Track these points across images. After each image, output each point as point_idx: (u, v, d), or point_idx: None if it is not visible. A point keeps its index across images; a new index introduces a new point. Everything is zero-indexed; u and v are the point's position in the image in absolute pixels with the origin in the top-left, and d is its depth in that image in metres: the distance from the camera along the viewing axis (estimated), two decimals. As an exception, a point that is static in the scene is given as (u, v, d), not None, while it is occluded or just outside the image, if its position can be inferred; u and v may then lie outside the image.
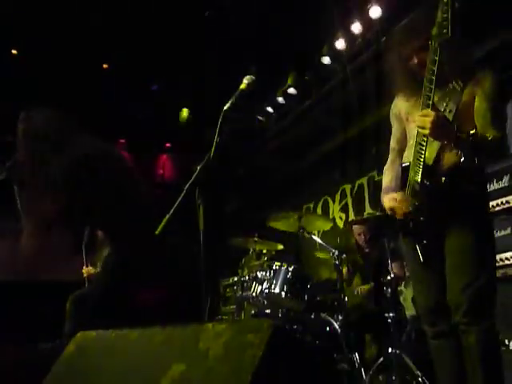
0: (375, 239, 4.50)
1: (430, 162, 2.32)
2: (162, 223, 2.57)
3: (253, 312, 4.55)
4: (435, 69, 2.23)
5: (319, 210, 7.31)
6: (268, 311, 4.29)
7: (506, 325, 3.33)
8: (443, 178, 2.27)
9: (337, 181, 6.97)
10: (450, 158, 2.31)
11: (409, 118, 2.53)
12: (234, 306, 4.87)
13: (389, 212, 2.48)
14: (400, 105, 2.61)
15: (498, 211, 3.68)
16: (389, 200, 2.48)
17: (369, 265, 4.65)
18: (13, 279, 7.12)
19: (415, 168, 2.35)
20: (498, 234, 3.64)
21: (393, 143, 2.71)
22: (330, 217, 6.87)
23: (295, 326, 4.04)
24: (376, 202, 6.15)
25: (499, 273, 3.56)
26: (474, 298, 2.23)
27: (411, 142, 2.46)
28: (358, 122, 6.22)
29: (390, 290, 3.99)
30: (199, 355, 1.49)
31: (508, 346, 3.35)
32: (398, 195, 2.45)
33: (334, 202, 7.05)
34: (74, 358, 1.90)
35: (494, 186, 3.76)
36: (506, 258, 3.53)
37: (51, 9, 5.59)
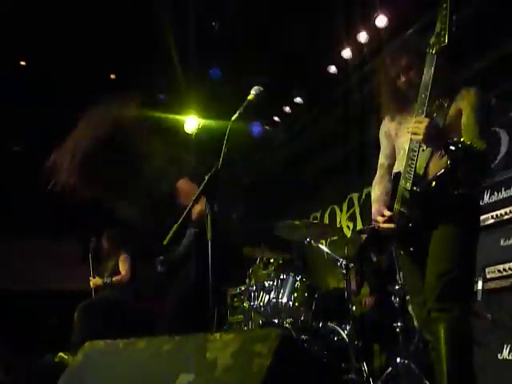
0: (369, 250, 4.49)
1: (421, 172, 2.40)
2: (171, 233, 2.59)
3: (260, 321, 4.54)
4: (431, 75, 2.34)
5: (326, 219, 7.29)
6: (275, 321, 4.27)
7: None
8: (433, 183, 2.33)
9: (344, 189, 6.95)
10: (437, 166, 2.38)
11: (398, 133, 2.63)
12: (242, 316, 4.86)
13: (373, 223, 2.55)
14: (389, 123, 2.72)
15: (507, 220, 3.65)
16: (377, 212, 2.53)
17: (376, 274, 4.63)
18: (20, 288, 7.16)
19: (406, 176, 2.41)
20: (507, 242, 3.61)
21: (382, 159, 2.79)
22: (338, 226, 6.85)
23: (303, 336, 4.03)
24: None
25: (508, 282, 3.54)
26: (448, 284, 2.24)
27: (401, 154, 2.56)
28: (365, 130, 6.22)
29: (397, 299, 3.98)
30: (207, 365, 1.49)
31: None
32: (386, 211, 2.49)
33: (341, 210, 7.03)
34: (82, 367, 1.90)
35: (502, 195, 3.74)
36: (515, 267, 3.50)
37: (58, 20, 5.65)
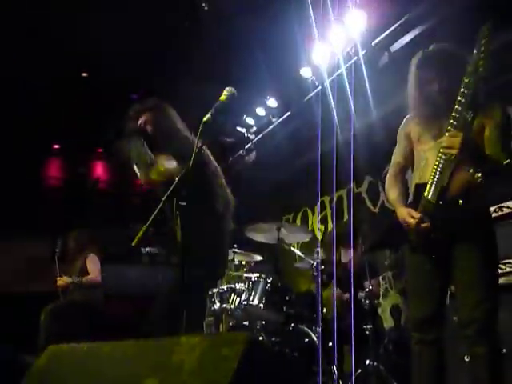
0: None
1: (444, 184, 2.45)
2: (139, 234, 2.55)
3: (231, 324, 4.52)
4: (467, 101, 2.38)
5: (299, 221, 7.31)
6: (246, 323, 4.26)
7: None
8: (460, 201, 2.41)
9: (316, 192, 6.98)
10: (461, 179, 2.45)
11: (421, 139, 2.67)
12: (212, 318, 4.83)
13: (404, 225, 2.58)
14: (411, 125, 2.75)
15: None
16: (407, 214, 2.56)
17: (346, 276, 4.64)
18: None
19: (430, 187, 2.47)
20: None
21: (399, 158, 2.83)
22: (309, 228, 6.88)
23: (273, 338, 4.02)
24: (355, 213, 6.18)
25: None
26: (484, 316, 2.40)
27: (422, 164, 2.61)
28: (336, 135, 6.26)
29: (367, 301, 4.01)
30: (173, 369, 1.47)
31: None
32: (415, 213, 2.54)
33: (313, 213, 7.07)
34: (45, 371, 1.85)
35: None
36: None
37: (31, 18, 5.56)
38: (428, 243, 2.52)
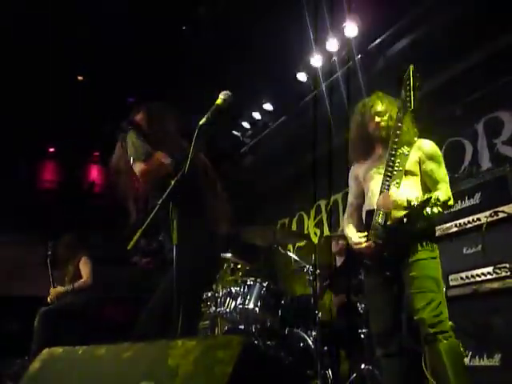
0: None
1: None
2: (135, 238, 2.53)
3: (226, 327, 4.51)
4: (399, 133, 2.82)
5: (294, 226, 7.31)
6: (242, 327, 4.25)
7: (475, 341, 3.37)
8: (405, 219, 2.73)
9: (312, 196, 6.99)
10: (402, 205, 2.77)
11: (365, 178, 3.06)
12: (208, 322, 4.83)
13: (356, 249, 2.89)
14: (357, 169, 3.15)
15: (470, 228, 3.71)
16: (358, 240, 2.89)
17: (340, 279, 4.64)
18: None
19: (378, 213, 2.80)
20: (469, 251, 3.67)
21: (351, 199, 3.21)
22: (305, 232, 6.88)
23: (269, 342, 4.02)
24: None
25: (470, 289, 3.59)
26: (434, 313, 2.64)
27: (370, 195, 2.99)
28: (334, 138, 6.27)
29: (362, 305, 4.01)
30: (168, 372, 1.46)
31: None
32: (362, 234, 2.89)
33: (308, 217, 7.07)
34: (40, 375, 1.84)
35: (465, 204, 3.80)
36: (477, 275, 3.56)
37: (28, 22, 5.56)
38: (381, 263, 2.83)
